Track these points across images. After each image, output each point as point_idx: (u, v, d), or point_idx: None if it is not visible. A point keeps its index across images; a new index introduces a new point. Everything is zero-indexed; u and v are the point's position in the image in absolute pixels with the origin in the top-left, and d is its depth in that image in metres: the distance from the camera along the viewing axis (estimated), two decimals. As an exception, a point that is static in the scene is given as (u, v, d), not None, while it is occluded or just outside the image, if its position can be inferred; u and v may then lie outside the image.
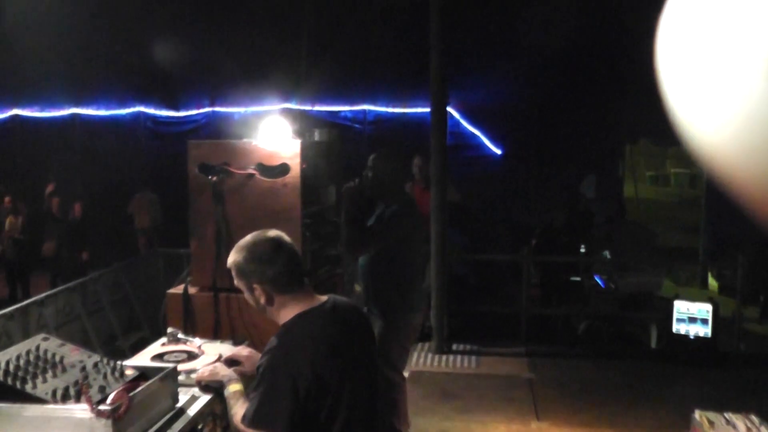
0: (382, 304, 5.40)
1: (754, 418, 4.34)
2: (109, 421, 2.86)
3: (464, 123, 14.41)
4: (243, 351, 3.91)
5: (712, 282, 15.43)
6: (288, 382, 2.90)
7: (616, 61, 12.92)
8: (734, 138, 0.99)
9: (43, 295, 9.29)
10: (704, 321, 8.94)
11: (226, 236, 4.98)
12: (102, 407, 2.88)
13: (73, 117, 15.54)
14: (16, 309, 8.69)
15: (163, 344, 4.26)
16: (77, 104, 15.44)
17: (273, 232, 3.21)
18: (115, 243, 13.38)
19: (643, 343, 10.12)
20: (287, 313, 3.12)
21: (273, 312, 3.17)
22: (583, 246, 13.00)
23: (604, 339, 9.80)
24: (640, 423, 7.25)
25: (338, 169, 5.68)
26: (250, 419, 3.01)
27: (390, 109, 14.44)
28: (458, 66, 13.67)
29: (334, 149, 5.65)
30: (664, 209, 23.65)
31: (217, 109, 14.95)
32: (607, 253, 13.01)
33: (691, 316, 9.00)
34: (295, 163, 4.85)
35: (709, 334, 8.94)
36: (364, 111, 14.62)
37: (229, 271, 4.21)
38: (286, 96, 14.41)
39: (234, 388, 3.42)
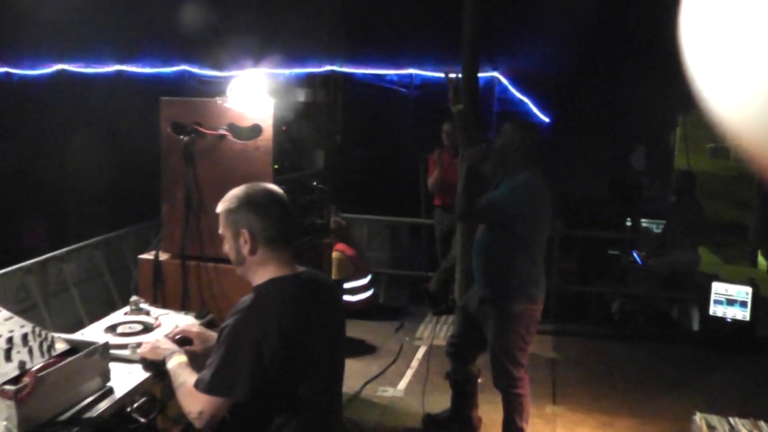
0: (499, 289, 5.06)
1: (763, 424, 3.74)
2: (12, 402, 2.56)
3: (512, 89, 13.77)
4: (193, 327, 3.55)
5: (762, 260, 14.69)
6: (252, 346, 2.77)
7: (671, 26, 12.12)
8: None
9: (64, 249, 8.90)
10: (743, 303, 8.33)
11: (196, 200, 4.52)
12: (6, 387, 2.59)
13: (119, 73, 15.21)
14: (35, 263, 8.33)
15: (126, 313, 3.92)
16: (122, 61, 15.11)
17: (271, 185, 3.12)
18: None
19: (681, 326, 9.44)
20: (264, 272, 2.98)
21: (251, 267, 3.01)
22: (628, 220, 12.41)
23: (639, 320, 9.12)
24: (663, 413, 6.70)
25: (329, 133, 5.13)
26: (206, 384, 2.80)
27: (437, 74, 13.82)
28: (507, 30, 13.20)
29: (323, 111, 5.10)
30: (720, 183, 22.74)
31: (266, 69, 14.37)
32: (654, 226, 12.35)
33: (730, 298, 8.38)
34: (267, 125, 4.35)
35: (748, 318, 8.32)
36: (410, 75, 14.06)
37: (199, 237, 3.79)
38: (331, 58, 13.90)
39: (177, 359, 3.14)
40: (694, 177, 9.63)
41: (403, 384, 7.16)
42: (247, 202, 2.97)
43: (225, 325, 2.86)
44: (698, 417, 3.85)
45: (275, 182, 4.36)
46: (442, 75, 5.11)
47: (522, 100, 13.76)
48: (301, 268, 3.08)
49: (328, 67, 13.74)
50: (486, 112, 13.32)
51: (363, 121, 13.53)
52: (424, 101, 13.75)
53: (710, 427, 3.66)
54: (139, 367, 3.27)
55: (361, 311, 8.84)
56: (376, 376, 7.24)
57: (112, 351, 3.25)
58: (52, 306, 8.47)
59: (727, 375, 7.68)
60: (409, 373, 7.42)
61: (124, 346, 3.39)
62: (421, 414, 6.25)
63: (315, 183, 4.99)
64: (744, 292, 8.31)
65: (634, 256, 10.12)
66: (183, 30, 13.39)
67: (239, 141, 4.41)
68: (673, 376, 7.62)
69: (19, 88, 15.40)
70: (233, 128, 4.41)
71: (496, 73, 13.62)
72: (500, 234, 4.99)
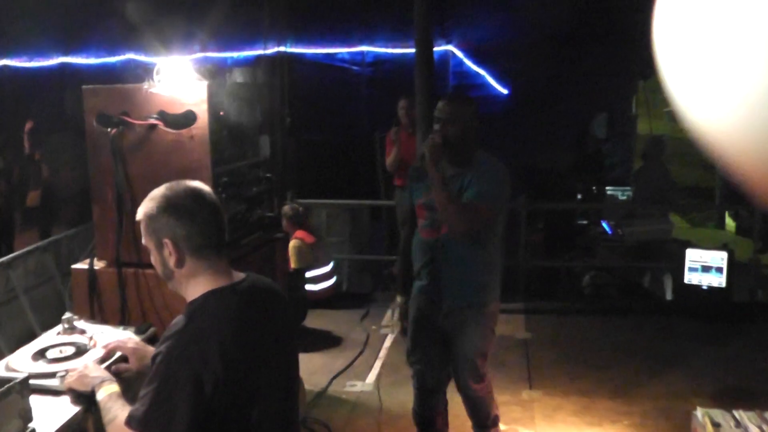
0: (480, 294, 4.49)
1: (768, 416, 3.34)
2: None
3: (468, 62, 13.34)
4: (128, 343, 3.07)
5: (730, 222, 14.47)
6: (190, 376, 2.33)
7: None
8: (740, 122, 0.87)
9: (10, 255, 8.34)
10: (718, 270, 8.02)
11: (128, 200, 4.03)
12: None
13: (62, 66, 14.56)
14: None
15: (59, 333, 3.38)
16: (66, 53, 14.46)
17: (195, 183, 2.63)
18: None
19: (655, 296, 9.09)
20: (197, 286, 2.54)
21: (181, 280, 2.57)
22: (594, 188, 12.09)
23: (611, 292, 8.77)
24: (644, 391, 6.37)
25: (273, 116, 4.65)
26: (139, 420, 2.35)
27: (389, 50, 13.36)
28: (460, 2, 12.93)
29: (265, 93, 4.61)
30: (681, 145, 22.56)
31: (209, 54, 13.90)
32: (619, 194, 12.03)
33: (705, 265, 8.07)
34: (201, 110, 3.86)
35: (724, 284, 8.01)
36: (362, 52, 13.58)
37: (135, 242, 3.32)
38: (280, 39, 13.35)
39: (108, 389, 2.67)
40: (663, 142, 9.29)
41: (371, 377, 6.75)
42: (166, 207, 2.52)
43: (157, 353, 2.42)
44: (700, 413, 3.45)
45: (214, 174, 3.91)
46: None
47: (478, 73, 13.31)
48: (240, 275, 2.65)
49: (276, 48, 13.21)
50: (442, 87, 12.92)
51: (315, 102, 13.04)
52: (377, 79, 13.29)
53: (714, 424, 3.26)
54: (68, 399, 2.80)
55: (324, 300, 8.41)
56: (343, 370, 6.84)
57: (37, 382, 2.81)
58: (1, 316, 7.92)
59: (706, 345, 7.37)
60: (377, 365, 7.02)
61: (51, 375, 2.90)
62: (393, 408, 5.86)
63: (261, 172, 4.51)
64: (719, 257, 8.00)
65: (603, 226, 9.74)
66: (126, 15, 12.83)
67: (171, 130, 3.91)
68: (649, 350, 7.29)
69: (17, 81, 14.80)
70: (164, 116, 3.91)
71: (450, 47, 13.17)
72: (483, 235, 4.40)
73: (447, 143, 4.18)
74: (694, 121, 0.98)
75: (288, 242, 8.50)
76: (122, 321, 4.04)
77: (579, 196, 11.54)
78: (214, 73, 4.06)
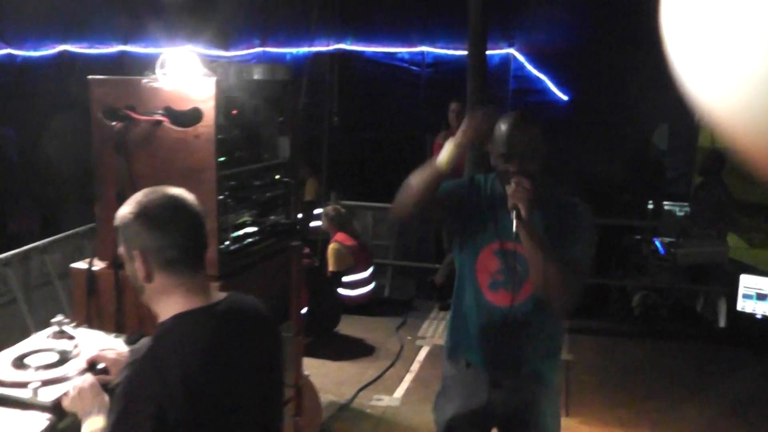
0: (549, 360, 3.53)
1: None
2: None
3: (529, 66, 12.92)
4: (109, 353, 2.79)
5: (791, 244, 13.79)
6: (151, 407, 2.04)
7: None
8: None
9: (46, 240, 8.00)
10: (776, 298, 7.43)
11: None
12: None
13: (121, 54, 14.45)
14: (14, 254, 7.38)
15: (49, 336, 3.10)
16: (125, 41, 14.34)
17: (175, 190, 2.33)
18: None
19: (706, 321, 8.57)
20: (168, 305, 2.25)
21: (151, 296, 2.29)
22: (650, 202, 11.57)
23: (662, 315, 8.26)
24: (689, 425, 5.93)
25: (295, 117, 4.27)
26: None
27: (450, 51, 12.99)
28: (523, 5, 12.50)
29: (288, 91, 4.23)
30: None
31: (268, 49, 13.69)
32: (677, 209, 11.50)
33: (760, 293, 7.55)
34: (208, 108, 3.52)
35: (780, 314, 7.44)
36: (422, 53, 13.23)
37: None
38: (340, 36, 13.08)
39: (91, 426, 2.38)
40: (723, 157, 8.69)
41: (400, 391, 6.41)
42: (139, 215, 2.25)
43: (117, 382, 2.15)
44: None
45: (220, 177, 3.57)
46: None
47: (539, 78, 12.90)
48: (219, 296, 2.34)
49: (335, 45, 12.94)
50: (501, 91, 12.56)
51: (373, 100, 12.75)
52: (436, 80, 12.93)
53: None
54: (39, 414, 2.56)
55: (361, 306, 8.08)
56: (371, 383, 6.53)
57: (6, 391, 2.59)
58: (34, 300, 7.63)
59: (757, 379, 6.88)
60: (408, 378, 6.69)
61: (23, 385, 2.63)
62: (419, 426, 5.51)
63: (278, 176, 4.15)
64: (776, 285, 7.45)
65: (656, 245, 9.22)
66: (188, 7, 12.67)
67: (177, 128, 3.58)
68: (697, 380, 6.86)
69: (21, 70, 14.81)
70: (171, 112, 3.58)
71: (512, 50, 12.78)
72: None
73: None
74: (704, 101, 0.93)
75: (328, 244, 8.25)
76: (118, 326, 3.73)
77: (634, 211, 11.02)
78: (227, 68, 3.70)
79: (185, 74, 3.62)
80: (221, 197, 3.61)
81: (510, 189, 3.06)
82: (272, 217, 4.18)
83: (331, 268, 8.09)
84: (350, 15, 12.77)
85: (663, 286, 8.61)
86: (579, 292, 3.14)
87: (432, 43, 13.16)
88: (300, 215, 9.17)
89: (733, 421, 5.97)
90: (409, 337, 7.60)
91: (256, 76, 3.92)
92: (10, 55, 14.95)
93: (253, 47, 13.78)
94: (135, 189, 3.69)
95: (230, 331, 2.30)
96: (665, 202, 11.87)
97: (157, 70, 3.60)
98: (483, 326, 3.33)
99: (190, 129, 3.56)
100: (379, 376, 6.65)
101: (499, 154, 3.13)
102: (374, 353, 7.22)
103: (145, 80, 3.63)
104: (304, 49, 13.20)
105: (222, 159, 3.63)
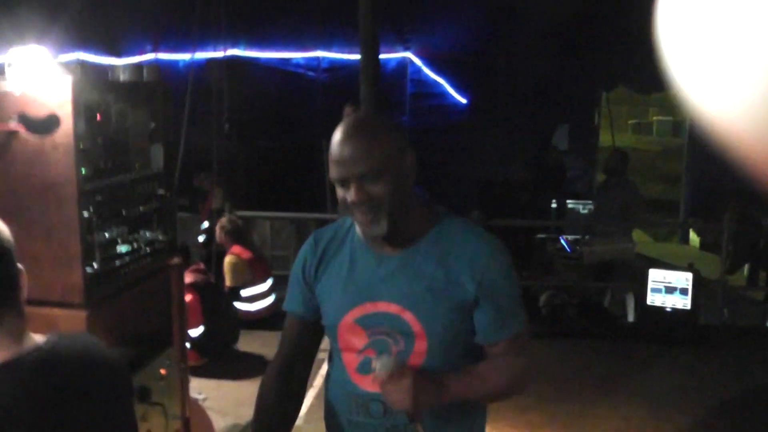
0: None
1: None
2: None
3: (426, 70, 12.73)
4: None
5: (694, 237, 14.00)
6: None
7: (589, 3, 11.26)
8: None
9: None
10: (683, 291, 7.41)
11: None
12: None
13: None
14: None
15: None
16: (15, 46, 13.66)
17: None
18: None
19: (615, 317, 8.47)
20: None
21: None
22: (554, 202, 11.52)
23: (569, 313, 8.11)
24: (601, 424, 5.76)
25: (169, 123, 3.90)
26: None
27: (346, 56, 12.70)
28: (419, 8, 12.26)
29: (159, 94, 3.85)
30: (645, 159, 22.27)
31: (161, 55, 13.19)
32: (581, 207, 11.48)
33: (668, 286, 7.45)
34: (65, 113, 3.12)
35: (689, 306, 7.40)
36: (317, 58, 12.91)
37: None
38: (234, 42, 12.66)
39: None
40: (627, 157, 8.72)
41: (302, 408, 6.01)
42: None
43: None
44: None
45: (83, 191, 3.19)
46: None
47: (437, 81, 12.75)
48: (36, 339, 1.75)
49: (229, 51, 12.53)
50: (399, 95, 12.36)
51: (268, 107, 12.41)
52: (332, 85, 12.64)
53: None
54: None
55: (261, 320, 7.70)
56: (272, 402, 6.11)
57: None
58: None
59: (669, 372, 6.81)
60: (310, 395, 6.32)
61: None
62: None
63: (153, 188, 3.78)
64: (684, 278, 7.39)
65: (561, 243, 9.09)
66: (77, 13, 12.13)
67: (33, 137, 3.19)
68: (609, 378, 6.69)
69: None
70: (25, 119, 3.18)
71: (408, 53, 12.58)
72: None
73: (377, 221, 2.11)
74: (703, 110, 0.81)
75: (224, 258, 7.88)
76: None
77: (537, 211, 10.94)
78: (87, 69, 3.32)
79: (38, 76, 3.23)
80: (86, 214, 3.23)
81: (376, 377, 2.08)
82: (147, 234, 3.78)
83: (228, 282, 7.70)
84: (243, 20, 12.42)
85: (570, 284, 8.48)
86: (532, 376, 2.34)
87: (327, 48, 12.89)
88: (206, 224, 8.85)
89: (648, 418, 5.82)
90: (311, 350, 7.26)
91: (122, 78, 3.54)
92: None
93: (146, 53, 13.27)
94: (-12, 208, 3.33)
95: (46, 385, 1.71)
96: (568, 201, 11.83)
97: (5, 70, 3.19)
98: (356, 425, 2.34)
99: (47, 138, 3.16)
100: (280, 394, 6.30)
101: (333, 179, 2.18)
102: (276, 370, 6.87)
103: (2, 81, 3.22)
104: (197, 55, 12.80)
105: (85, 171, 3.25)
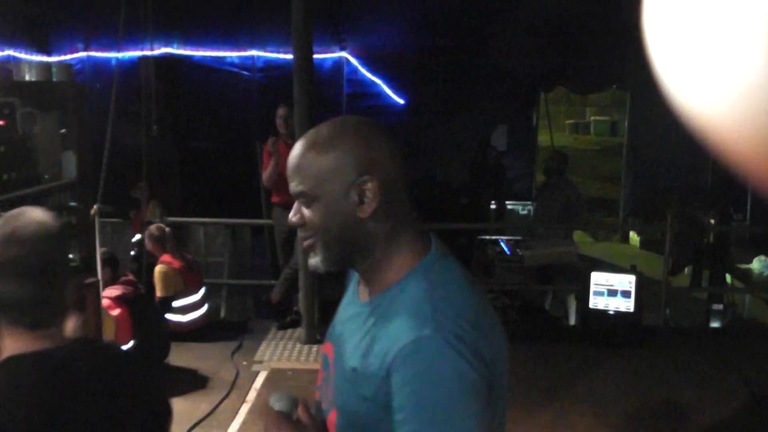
0: None
1: None
2: None
3: (363, 70, 12.51)
4: None
5: (633, 236, 14.01)
6: None
7: (528, 2, 11.14)
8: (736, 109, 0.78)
9: None
10: (626, 293, 7.27)
11: None
12: None
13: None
14: None
15: None
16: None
17: (27, 214, 1.83)
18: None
19: (557, 320, 8.32)
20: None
21: None
22: (493, 203, 11.37)
23: (511, 317, 7.94)
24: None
25: (83, 127, 3.58)
26: None
27: (281, 55, 12.42)
28: (355, 8, 12.16)
29: (73, 96, 3.53)
30: (583, 158, 22.32)
31: (93, 53, 12.76)
32: (520, 208, 11.36)
33: (611, 289, 7.32)
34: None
35: (632, 309, 7.26)
36: (252, 57, 12.61)
37: None
38: (167, 40, 12.30)
39: None
40: (566, 157, 8.64)
41: (235, 425, 5.74)
42: None
43: None
44: None
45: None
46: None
47: (374, 81, 12.55)
48: (64, 340, 1.85)
49: (162, 50, 12.17)
50: (335, 95, 12.13)
51: (203, 107, 12.11)
52: (268, 85, 12.41)
53: None
54: None
55: (193, 332, 7.37)
56: (203, 419, 5.78)
57: None
58: None
59: (613, 374, 6.64)
60: (243, 410, 6.02)
61: None
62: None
63: (65, 200, 3.46)
64: (627, 281, 7.26)
65: (501, 245, 8.91)
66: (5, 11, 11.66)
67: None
68: (552, 382, 6.49)
69: None
70: None
71: (344, 53, 12.37)
72: None
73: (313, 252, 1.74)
74: (689, 107, 0.78)
75: (154, 266, 7.55)
76: None
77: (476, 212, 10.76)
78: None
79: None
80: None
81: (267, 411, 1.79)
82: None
83: (158, 293, 7.35)
84: (177, 18, 12.11)
85: (511, 287, 8.31)
86: None
87: (262, 47, 12.62)
88: (138, 236, 8.48)
89: (593, 422, 5.66)
90: (245, 362, 6.92)
91: (27, 78, 3.22)
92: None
93: (77, 51, 12.83)
94: None
95: (75, 381, 1.82)
96: (508, 202, 11.69)
97: None
98: None
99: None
100: (212, 411, 5.93)
101: None
102: (207, 384, 6.50)
103: None
104: (130, 54, 12.42)
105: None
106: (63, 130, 3.42)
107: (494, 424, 1.71)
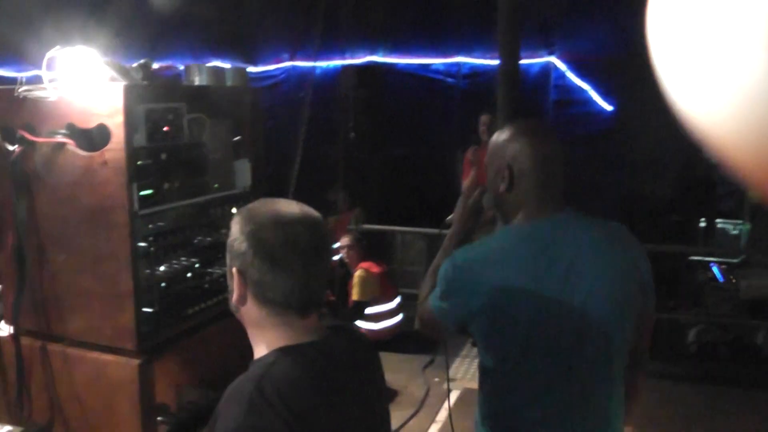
0: None
1: None
2: None
3: (571, 76, 11.87)
4: None
5: None
6: None
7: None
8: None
9: None
10: None
11: (34, 246, 2.74)
12: None
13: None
14: None
15: None
16: (151, 58, 13.47)
17: (302, 210, 1.78)
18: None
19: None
20: (268, 338, 1.78)
21: (246, 323, 1.84)
22: (702, 221, 10.40)
23: (722, 353, 7.05)
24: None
25: (258, 134, 3.25)
26: None
27: (487, 61, 11.99)
28: (565, 10, 11.49)
29: (246, 102, 3.21)
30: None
31: (297, 63, 12.78)
32: (731, 227, 10.33)
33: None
34: (116, 124, 2.53)
35: None
36: (458, 64, 12.26)
37: (43, 304, 2.75)
38: (372, 48, 12.18)
39: None
40: None
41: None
42: (249, 229, 1.72)
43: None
44: None
45: (135, 218, 2.58)
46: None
47: (581, 87, 11.87)
48: (324, 330, 1.85)
49: (367, 58, 12.05)
50: (541, 102, 11.58)
51: (406, 115, 11.85)
52: (472, 92, 12.00)
53: None
54: None
55: (384, 342, 7.03)
56: (390, 437, 5.42)
57: None
58: None
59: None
60: (433, 429, 5.63)
61: None
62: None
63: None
64: None
65: (713, 271, 7.99)
66: (213, 23, 11.86)
67: (83, 152, 2.60)
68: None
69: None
70: (74, 131, 2.59)
71: (552, 58, 11.80)
72: None
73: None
74: (689, 112, 0.89)
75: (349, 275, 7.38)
76: (20, 410, 2.78)
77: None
78: (150, 71, 2.71)
79: (85, 79, 2.63)
80: (142, 244, 2.62)
81: None
82: (219, 270, 3.13)
83: (354, 296, 7.21)
84: (383, 26, 11.95)
85: (723, 319, 7.38)
86: None
87: (468, 53, 12.28)
88: (339, 244, 8.27)
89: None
90: (436, 379, 6.58)
91: (197, 82, 2.92)
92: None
93: (282, 61, 12.87)
94: (39, 233, 2.76)
95: (343, 367, 1.83)
96: (718, 220, 10.71)
97: (43, 74, 2.60)
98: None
99: (96, 153, 2.57)
100: (400, 427, 5.66)
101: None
102: (396, 398, 6.23)
103: (22, 89, 2.64)
104: (334, 63, 12.38)
105: (147, 192, 2.64)
106: (237, 138, 3.08)
107: None
